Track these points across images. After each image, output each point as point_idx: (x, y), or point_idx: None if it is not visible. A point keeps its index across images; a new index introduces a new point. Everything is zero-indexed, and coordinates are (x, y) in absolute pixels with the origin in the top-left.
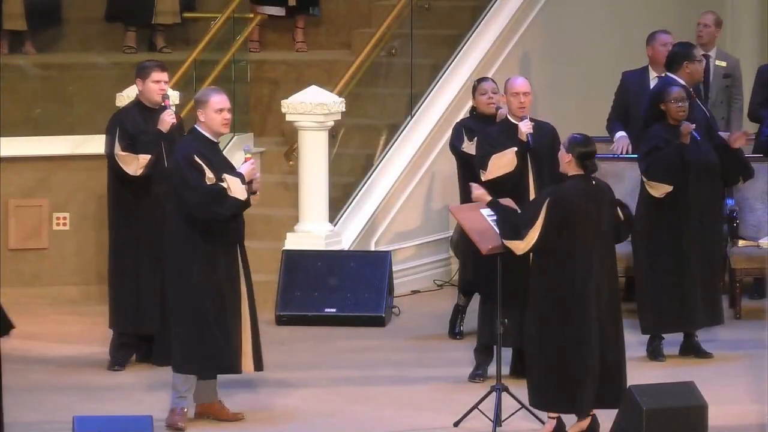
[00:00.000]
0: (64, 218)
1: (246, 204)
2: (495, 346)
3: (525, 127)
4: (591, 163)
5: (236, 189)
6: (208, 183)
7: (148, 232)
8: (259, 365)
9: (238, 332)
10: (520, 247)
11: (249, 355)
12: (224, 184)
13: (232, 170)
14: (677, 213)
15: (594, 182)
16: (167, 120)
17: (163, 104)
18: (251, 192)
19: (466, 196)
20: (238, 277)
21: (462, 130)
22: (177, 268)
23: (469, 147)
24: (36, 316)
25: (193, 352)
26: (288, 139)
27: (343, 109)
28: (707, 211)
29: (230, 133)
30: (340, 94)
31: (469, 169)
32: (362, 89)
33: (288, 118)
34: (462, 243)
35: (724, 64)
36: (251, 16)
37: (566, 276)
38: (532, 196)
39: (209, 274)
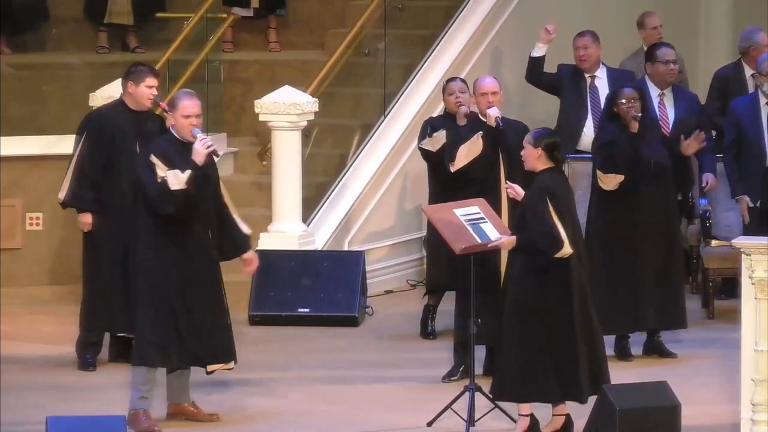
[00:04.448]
0: (38, 218)
1: (192, 194)
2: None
3: (493, 112)
4: (560, 153)
5: (173, 182)
6: (158, 180)
7: (123, 230)
8: (226, 357)
9: (203, 325)
10: (568, 248)
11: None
12: (167, 179)
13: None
14: (629, 212)
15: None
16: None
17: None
18: (217, 156)
19: (434, 195)
20: (208, 272)
21: (428, 127)
22: (146, 264)
23: (427, 143)
24: (9, 316)
25: (151, 344)
26: (261, 139)
27: (317, 109)
28: (660, 211)
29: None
30: (313, 94)
31: (432, 167)
32: (336, 89)
33: (261, 118)
34: (431, 242)
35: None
36: (224, 16)
37: (556, 272)
38: (503, 191)
39: (178, 270)
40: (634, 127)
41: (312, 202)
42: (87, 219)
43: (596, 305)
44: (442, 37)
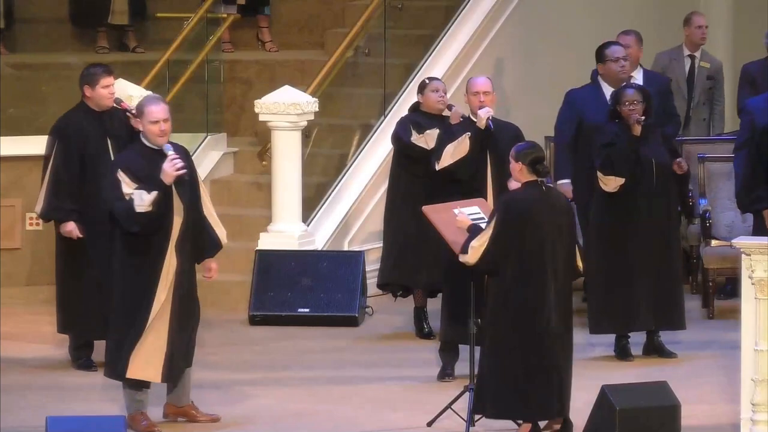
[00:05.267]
0: (38, 218)
1: (156, 214)
2: (461, 345)
3: (485, 113)
4: (542, 167)
5: (139, 203)
6: (126, 198)
7: (99, 237)
8: (168, 376)
9: (136, 340)
10: (467, 260)
11: (154, 364)
12: (132, 198)
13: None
14: (629, 212)
15: (545, 188)
16: (170, 172)
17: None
18: (187, 177)
19: (398, 191)
20: (155, 285)
21: (409, 124)
22: (115, 276)
23: (419, 139)
24: (9, 316)
25: (110, 358)
26: (261, 139)
27: (317, 109)
28: (659, 210)
29: (204, 133)
30: (313, 94)
31: (413, 162)
32: (335, 89)
33: (261, 118)
34: (389, 233)
35: (707, 65)
36: (224, 16)
37: (522, 284)
38: (489, 193)
39: (132, 280)
40: (637, 130)
41: (312, 202)
42: (70, 227)
43: (595, 305)
44: (442, 37)
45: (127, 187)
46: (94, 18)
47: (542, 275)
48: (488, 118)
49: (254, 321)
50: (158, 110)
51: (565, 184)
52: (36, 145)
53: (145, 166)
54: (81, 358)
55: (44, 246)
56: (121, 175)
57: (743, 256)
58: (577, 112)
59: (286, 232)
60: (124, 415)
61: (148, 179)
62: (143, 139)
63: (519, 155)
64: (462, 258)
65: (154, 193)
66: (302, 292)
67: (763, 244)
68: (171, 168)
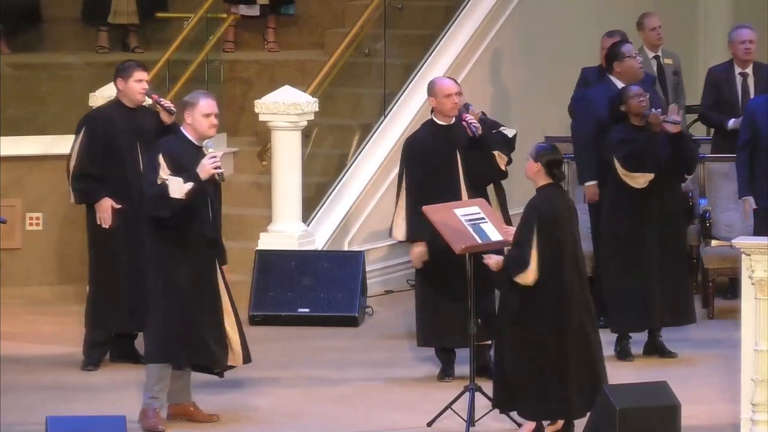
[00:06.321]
0: (38, 218)
1: (186, 205)
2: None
3: (472, 125)
4: (559, 171)
5: (174, 190)
6: (159, 182)
7: (129, 229)
8: (247, 357)
9: (218, 329)
10: (530, 276)
11: (237, 352)
12: (167, 183)
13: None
14: (639, 210)
15: (562, 190)
16: (208, 168)
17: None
18: (221, 179)
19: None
20: (214, 274)
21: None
22: (158, 264)
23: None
24: (9, 316)
25: (171, 341)
26: (261, 139)
27: (317, 109)
28: (668, 208)
29: None
30: (313, 94)
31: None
32: (335, 89)
33: (261, 118)
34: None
35: (671, 62)
36: (224, 16)
37: (554, 288)
38: (464, 195)
39: (188, 271)
40: (657, 127)
41: (312, 202)
42: (105, 204)
43: (612, 305)
44: (442, 37)
45: (164, 172)
46: (104, 15)
47: (570, 275)
48: (473, 125)
49: (254, 321)
50: (212, 104)
51: (591, 186)
52: (36, 145)
53: (184, 158)
54: (93, 357)
55: (44, 246)
56: (161, 160)
57: (743, 256)
58: (595, 112)
59: (286, 232)
60: (124, 415)
61: (185, 171)
62: (185, 133)
63: (538, 155)
64: (523, 278)
65: (190, 184)
66: (302, 292)
67: (763, 244)
68: (209, 164)
